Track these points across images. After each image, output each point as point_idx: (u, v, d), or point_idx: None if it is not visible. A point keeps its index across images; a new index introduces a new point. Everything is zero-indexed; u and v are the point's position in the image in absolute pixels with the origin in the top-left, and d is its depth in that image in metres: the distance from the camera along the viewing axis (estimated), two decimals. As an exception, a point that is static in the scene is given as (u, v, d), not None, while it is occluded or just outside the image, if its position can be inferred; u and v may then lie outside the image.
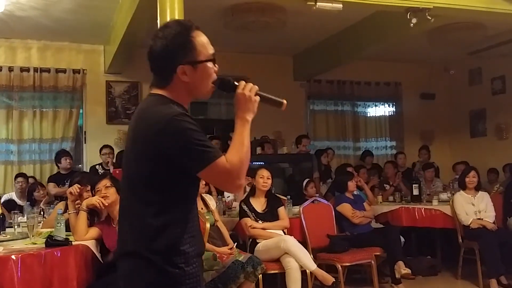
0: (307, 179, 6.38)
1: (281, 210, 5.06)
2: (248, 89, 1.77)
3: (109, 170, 6.48)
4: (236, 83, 1.79)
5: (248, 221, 4.85)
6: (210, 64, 1.77)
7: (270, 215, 4.98)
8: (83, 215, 3.82)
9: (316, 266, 4.61)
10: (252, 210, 4.94)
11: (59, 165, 6.77)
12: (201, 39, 1.76)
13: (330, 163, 7.92)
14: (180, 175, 1.69)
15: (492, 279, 5.27)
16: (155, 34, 1.78)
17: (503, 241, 5.40)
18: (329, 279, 4.54)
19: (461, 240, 5.72)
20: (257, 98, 1.78)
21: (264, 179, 4.98)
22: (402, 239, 5.68)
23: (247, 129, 1.74)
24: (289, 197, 5.80)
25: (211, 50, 1.79)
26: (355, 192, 5.95)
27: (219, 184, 1.78)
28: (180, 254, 1.70)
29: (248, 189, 5.30)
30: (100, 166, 6.78)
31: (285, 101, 1.84)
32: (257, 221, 4.89)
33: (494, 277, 5.27)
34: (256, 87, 1.78)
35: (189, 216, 1.77)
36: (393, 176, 7.20)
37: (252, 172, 5.14)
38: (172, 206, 1.71)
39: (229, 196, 5.83)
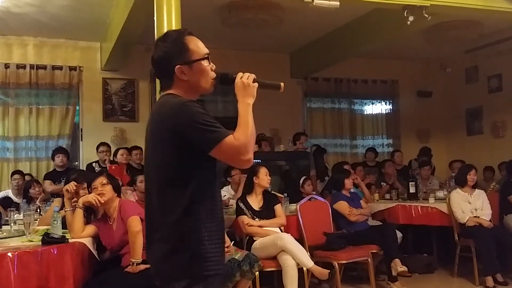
0: (304, 177, 6.38)
1: (278, 208, 5.06)
2: (246, 77, 1.97)
3: (105, 167, 6.46)
4: (234, 76, 1.99)
5: (245, 219, 4.85)
6: (205, 62, 2.00)
7: (266, 212, 4.98)
8: (79, 213, 3.82)
9: (313, 263, 4.62)
10: (249, 207, 4.94)
11: (54, 162, 6.76)
12: (195, 41, 2.01)
13: (326, 161, 7.92)
14: (197, 157, 1.87)
15: (488, 277, 5.29)
16: (155, 44, 2.06)
17: (499, 239, 5.41)
18: (325, 273, 4.56)
19: (457, 238, 5.73)
20: (256, 84, 1.97)
21: (268, 176, 4.99)
22: (400, 234, 5.70)
23: (249, 111, 1.93)
24: (286, 194, 5.80)
25: (205, 50, 2.01)
26: (351, 190, 5.95)
27: (230, 160, 1.90)
28: (204, 233, 1.88)
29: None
30: (97, 164, 6.76)
31: (282, 84, 2.02)
32: (253, 218, 4.89)
33: (490, 274, 5.29)
34: (253, 75, 1.98)
35: (211, 198, 1.94)
36: (392, 174, 7.21)
37: (250, 170, 5.13)
38: (195, 189, 1.88)
39: (225, 195, 5.83)
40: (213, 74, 2.01)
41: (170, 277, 1.89)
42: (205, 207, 1.90)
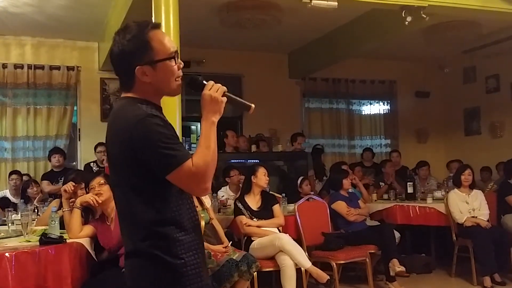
0: (301, 177, 6.39)
1: (276, 208, 5.06)
2: (215, 89, 1.75)
3: (103, 167, 6.46)
4: (204, 82, 1.77)
5: (243, 219, 4.85)
6: (171, 62, 1.76)
7: (265, 213, 4.98)
8: (77, 213, 3.81)
9: (311, 263, 4.62)
10: (247, 208, 4.93)
11: (50, 163, 6.76)
12: (159, 38, 1.76)
13: (324, 161, 7.93)
14: (155, 177, 1.68)
15: (486, 277, 5.30)
16: (113, 38, 1.79)
17: (497, 239, 5.42)
18: (323, 276, 4.55)
19: (455, 238, 5.73)
20: (224, 99, 1.76)
21: (266, 176, 4.99)
22: (398, 234, 5.70)
23: (213, 131, 1.73)
24: (284, 195, 5.81)
25: (171, 48, 1.77)
26: (350, 190, 5.96)
27: (185, 187, 1.73)
28: (178, 245, 1.72)
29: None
30: (95, 164, 6.76)
31: (253, 105, 1.82)
32: (252, 219, 4.89)
33: (488, 274, 5.30)
34: (224, 88, 1.76)
35: (180, 206, 1.76)
36: (392, 174, 7.21)
37: (248, 170, 5.14)
38: (163, 201, 1.72)
39: (223, 196, 5.83)
40: (180, 73, 1.79)
41: None
42: (177, 218, 1.74)
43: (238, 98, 1.82)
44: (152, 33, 1.75)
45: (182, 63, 1.81)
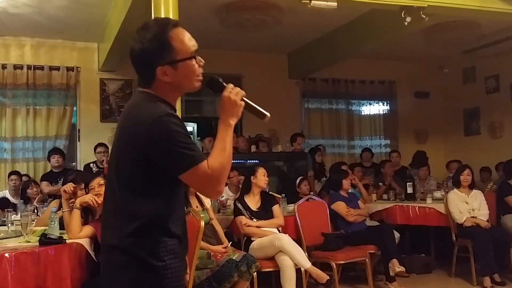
0: (300, 177, 6.38)
1: (276, 208, 5.06)
2: (235, 92, 1.75)
3: (103, 168, 6.46)
4: (224, 84, 1.77)
5: (243, 219, 4.85)
6: (192, 61, 1.75)
7: (264, 213, 4.98)
8: (76, 213, 3.81)
9: (310, 264, 4.62)
10: (247, 208, 4.93)
11: (50, 163, 6.76)
12: (180, 37, 1.74)
13: (323, 161, 7.93)
14: (162, 175, 1.69)
15: (485, 277, 5.30)
16: (133, 37, 1.77)
17: (497, 239, 5.43)
18: (323, 277, 4.55)
19: (455, 238, 5.73)
20: (242, 103, 1.76)
21: (266, 177, 4.99)
22: (398, 235, 5.71)
23: (229, 134, 1.73)
24: (283, 195, 5.81)
25: (192, 46, 1.76)
26: (349, 190, 5.96)
27: (199, 188, 1.76)
28: (161, 247, 1.71)
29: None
30: (94, 164, 6.76)
31: (268, 115, 1.81)
32: (251, 219, 4.89)
33: (488, 274, 5.30)
34: (243, 92, 1.76)
35: (175, 211, 1.78)
36: (389, 175, 7.22)
37: (248, 171, 5.14)
38: (156, 202, 1.72)
39: (223, 196, 5.83)
40: (200, 71, 1.78)
41: None
42: (168, 222, 1.73)
43: (255, 105, 1.80)
44: (172, 32, 1.73)
45: (203, 60, 1.79)
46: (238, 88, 1.76)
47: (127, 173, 1.72)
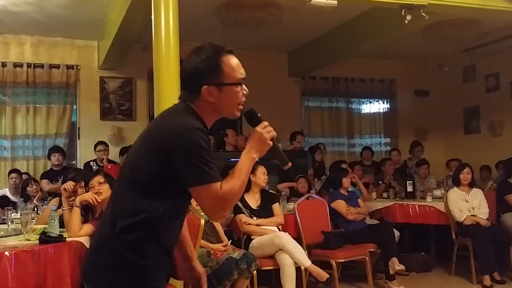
0: (298, 175, 6.39)
1: (276, 207, 5.06)
2: (267, 131, 1.82)
3: (103, 166, 6.46)
4: (261, 119, 1.85)
5: (243, 218, 4.85)
6: (236, 88, 1.83)
7: (264, 211, 4.98)
8: (76, 212, 3.81)
9: (310, 262, 4.62)
10: (247, 206, 4.94)
11: (50, 161, 6.76)
12: (231, 62, 1.82)
13: (323, 160, 7.93)
14: (176, 184, 1.73)
15: (485, 275, 5.31)
16: (189, 54, 1.87)
17: (496, 237, 5.43)
18: (323, 275, 4.55)
19: (454, 237, 5.74)
20: (271, 143, 1.82)
21: (265, 175, 4.99)
22: (398, 233, 5.71)
23: (249, 166, 1.79)
24: (283, 193, 5.81)
25: (240, 74, 1.84)
26: (349, 189, 5.96)
27: (205, 206, 1.76)
28: (147, 250, 1.75)
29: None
30: (94, 163, 6.77)
31: (290, 164, 1.89)
32: (251, 217, 4.89)
33: (487, 273, 5.31)
34: (275, 134, 1.84)
35: (174, 217, 1.84)
36: (389, 173, 7.22)
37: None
38: (160, 207, 1.76)
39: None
40: (242, 100, 1.85)
41: (108, 286, 1.78)
42: (160, 228, 1.78)
43: (281, 150, 1.89)
44: (225, 57, 1.81)
45: (247, 90, 1.86)
46: (271, 128, 1.84)
47: (145, 173, 1.76)
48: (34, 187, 5.99)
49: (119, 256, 1.74)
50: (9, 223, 3.97)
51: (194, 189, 1.71)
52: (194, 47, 1.88)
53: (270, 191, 5.50)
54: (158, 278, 1.81)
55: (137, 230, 1.74)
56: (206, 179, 1.68)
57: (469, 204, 5.69)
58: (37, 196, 5.87)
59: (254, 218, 4.90)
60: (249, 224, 4.84)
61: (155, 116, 4.34)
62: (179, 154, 1.69)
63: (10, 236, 3.72)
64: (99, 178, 3.94)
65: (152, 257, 1.76)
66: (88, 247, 3.67)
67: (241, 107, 1.86)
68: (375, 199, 6.65)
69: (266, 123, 1.84)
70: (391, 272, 5.17)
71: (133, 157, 1.86)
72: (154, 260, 1.78)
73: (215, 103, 1.81)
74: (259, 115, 1.85)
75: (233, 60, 1.83)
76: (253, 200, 5.00)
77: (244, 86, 1.85)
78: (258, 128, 1.81)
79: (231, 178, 1.74)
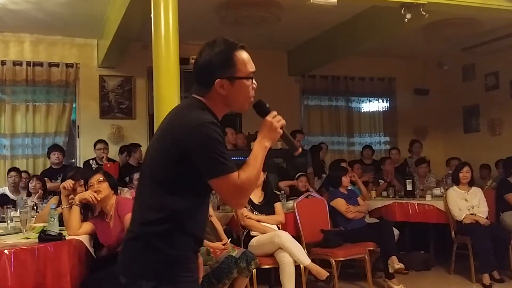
0: (299, 174, 6.39)
1: (278, 206, 5.07)
2: (277, 119, 1.89)
3: (102, 164, 6.46)
4: (269, 109, 1.91)
5: (244, 211, 4.85)
6: (247, 82, 1.90)
7: (266, 208, 4.99)
8: (76, 210, 3.81)
9: (310, 261, 4.62)
10: (249, 201, 4.93)
11: (50, 160, 6.75)
12: (243, 57, 1.90)
13: (324, 158, 7.93)
14: (196, 177, 1.80)
15: (484, 274, 5.30)
16: (202, 48, 1.92)
17: (496, 236, 5.43)
18: (323, 273, 4.55)
19: (454, 235, 5.74)
20: (281, 131, 1.89)
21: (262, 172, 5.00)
22: (397, 232, 5.71)
23: (263, 154, 1.86)
24: (283, 192, 5.81)
25: (251, 68, 1.92)
26: (349, 187, 5.96)
27: (225, 196, 1.87)
28: (178, 241, 1.83)
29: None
30: (94, 161, 6.76)
31: (300, 149, 2.00)
32: (252, 212, 4.90)
33: (487, 272, 5.31)
34: (284, 122, 1.90)
35: (198, 207, 1.90)
36: (391, 172, 7.22)
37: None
38: (184, 201, 1.84)
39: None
40: (252, 93, 1.92)
41: (139, 275, 1.83)
42: (188, 220, 1.85)
43: (290, 137, 1.97)
44: (238, 52, 1.89)
45: (256, 84, 1.93)
46: (280, 117, 1.91)
47: (164, 169, 1.83)
48: (33, 183, 5.97)
49: (149, 246, 1.81)
50: (9, 221, 3.97)
51: (213, 181, 1.78)
52: (206, 42, 1.93)
53: (274, 191, 5.50)
54: (191, 269, 1.89)
55: (165, 223, 1.81)
56: (224, 170, 1.76)
57: (468, 203, 5.69)
58: (37, 194, 5.86)
59: (256, 213, 4.91)
60: (249, 218, 4.84)
61: (155, 114, 4.37)
62: (196, 149, 1.76)
63: (9, 234, 3.73)
64: (99, 177, 3.94)
65: (181, 247, 1.84)
66: (87, 245, 3.68)
67: (251, 100, 1.93)
68: (374, 197, 6.65)
69: (275, 112, 1.91)
70: (391, 270, 5.17)
71: (151, 154, 1.93)
72: (183, 250, 1.85)
73: (226, 96, 1.88)
74: (267, 105, 1.92)
75: (245, 55, 1.91)
76: (256, 196, 5.00)
77: (254, 81, 1.92)
78: (268, 118, 1.89)
79: (247, 167, 1.81)
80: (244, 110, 1.96)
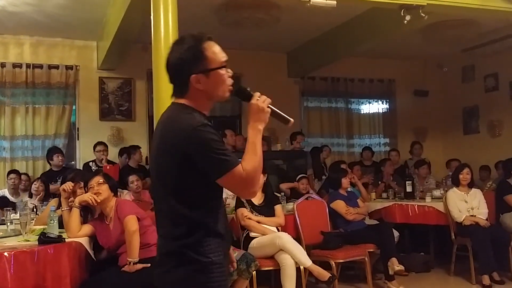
0: (300, 176, 6.39)
1: (278, 208, 5.08)
2: (262, 100, 1.90)
3: (102, 167, 6.45)
4: (252, 92, 1.91)
5: (244, 211, 4.86)
6: (222, 71, 1.91)
7: (266, 209, 4.99)
8: (75, 212, 3.81)
9: (311, 262, 4.62)
10: (249, 202, 4.94)
11: (51, 162, 6.74)
12: (213, 49, 1.90)
13: (325, 161, 7.93)
14: (203, 180, 1.82)
15: (484, 275, 5.30)
16: (170, 48, 1.94)
17: (496, 237, 5.43)
18: (325, 274, 4.55)
19: (454, 237, 5.74)
20: (269, 110, 1.91)
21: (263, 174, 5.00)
22: (397, 233, 5.71)
23: (259, 138, 1.87)
24: (283, 194, 5.81)
25: (223, 58, 1.92)
26: (349, 189, 5.96)
27: (236, 190, 1.92)
28: (208, 246, 1.85)
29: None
30: (93, 163, 6.76)
31: (292, 120, 1.97)
32: (252, 213, 4.90)
33: (487, 273, 5.31)
34: (269, 100, 1.91)
35: (216, 211, 1.92)
36: (388, 174, 7.22)
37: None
38: (199, 207, 1.85)
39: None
40: (230, 81, 1.93)
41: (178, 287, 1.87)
42: (209, 222, 1.88)
43: (279, 111, 1.95)
44: (206, 44, 1.90)
45: (231, 71, 1.94)
46: (265, 96, 1.91)
47: (172, 180, 1.85)
48: (37, 185, 5.98)
49: (185, 259, 1.83)
50: (8, 223, 3.97)
51: (221, 180, 1.80)
52: (173, 41, 1.96)
53: (275, 193, 5.50)
54: (224, 273, 1.90)
55: (194, 233, 1.84)
56: (227, 166, 1.77)
57: (468, 204, 5.69)
58: (38, 196, 5.87)
59: (256, 214, 4.90)
60: (249, 218, 4.84)
61: (154, 116, 4.37)
62: (197, 154, 1.78)
63: (9, 236, 3.73)
64: (98, 179, 3.94)
65: (213, 252, 1.85)
66: (87, 247, 3.68)
67: (230, 87, 1.93)
68: (374, 199, 6.65)
69: (258, 93, 1.91)
70: (391, 272, 5.17)
71: (155, 167, 1.94)
72: (217, 254, 1.86)
73: (204, 90, 1.88)
74: (248, 89, 1.92)
75: (214, 46, 1.91)
76: (256, 197, 5.01)
77: (228, 69, 1.93)
78: (253, 101, 1.89)
79: (248, 155, 1.83)
80: (225, 98, 1.95)
